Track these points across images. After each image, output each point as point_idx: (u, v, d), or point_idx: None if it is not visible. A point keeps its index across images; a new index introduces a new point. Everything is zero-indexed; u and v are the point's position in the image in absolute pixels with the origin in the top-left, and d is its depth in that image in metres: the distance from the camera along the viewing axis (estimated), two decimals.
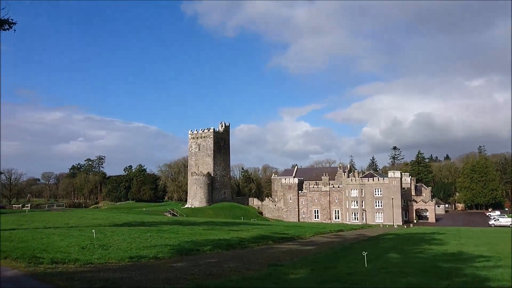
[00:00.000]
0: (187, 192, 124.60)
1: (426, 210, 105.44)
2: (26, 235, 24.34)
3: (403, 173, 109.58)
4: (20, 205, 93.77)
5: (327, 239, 35.32)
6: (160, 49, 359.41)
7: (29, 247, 18.63)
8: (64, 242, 21.46)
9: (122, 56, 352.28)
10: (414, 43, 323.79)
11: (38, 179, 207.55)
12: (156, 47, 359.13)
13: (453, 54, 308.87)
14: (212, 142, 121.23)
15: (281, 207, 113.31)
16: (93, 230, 24.72)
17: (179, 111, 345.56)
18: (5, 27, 26.62)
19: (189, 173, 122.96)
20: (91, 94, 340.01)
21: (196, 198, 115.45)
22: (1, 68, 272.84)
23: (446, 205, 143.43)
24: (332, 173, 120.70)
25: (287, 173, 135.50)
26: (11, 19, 26.55)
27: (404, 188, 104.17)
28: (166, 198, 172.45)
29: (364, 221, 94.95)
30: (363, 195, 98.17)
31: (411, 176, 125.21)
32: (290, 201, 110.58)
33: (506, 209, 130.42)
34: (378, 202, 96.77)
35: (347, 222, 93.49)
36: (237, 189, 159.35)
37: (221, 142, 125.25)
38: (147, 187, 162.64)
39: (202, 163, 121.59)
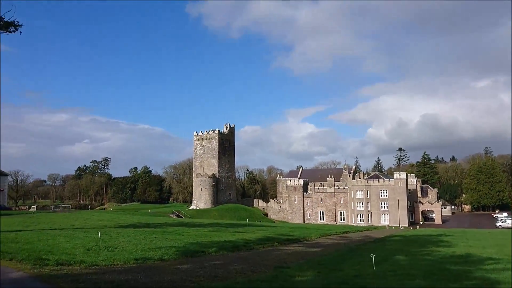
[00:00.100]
0: (192, 194, 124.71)
1: (432, 211, 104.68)
2: (32, 237, 24.36)
3: (408, 175, 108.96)
4: (27, 207, 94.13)
5: (333, 241, 35.10)
6: (164, 51, 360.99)
7: (35, 248, 18.62)
8: (69, 244, 21.44)
9: (127, 58, 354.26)
10: (418, 44, 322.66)
11: (44, 181, 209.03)
12: (161, 49, 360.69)
13: (458, 55, 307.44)
14: (217, 143, 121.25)
15: (286, 209, 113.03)
16: (99, 232, 24.69)
17: (184, 112, 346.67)
18: (11, 29, 26.62)
19: (194, 175, 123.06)
20: (96, 96, 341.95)
21: (201, 199, 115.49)
22: (1, 68, 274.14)
23: (453, 207, 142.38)
24: (337, 174, 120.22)
25: (292, 174, 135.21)
26: (17, 21, 26.53)
27: (410, 190, 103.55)
28: (171, 199, 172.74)
29: (369, 222, 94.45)
30: (368, 197, 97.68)
31: (417, 178, 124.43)
32: (295, 202, 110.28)
33: None
34: (384, 204, 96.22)
35: (352, 224, 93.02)
36: (242, 191, 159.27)
37: (226, 143, 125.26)
38: (152, 189, 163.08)
39: (207, 165, 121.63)
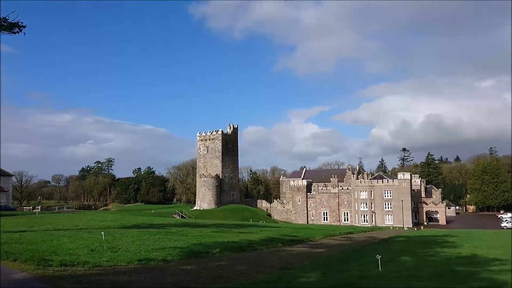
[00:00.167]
0: (195, 194, 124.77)
1: (437, 212, 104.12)
2: (36, 237, 24.35)
3: (412, 175, 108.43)
4: (31, 207, 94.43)
5: (337, 241, 34.94)
6: (168, 52, 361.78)
7: (39, 249, 18.59)
8: (73, 245, 21.41)
9: (130, 59, 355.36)
10: (422, 44, 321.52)
11: (49, 182, 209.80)
12: (164, 50, 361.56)
13: (461, 55, 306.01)
14: (221, 144, 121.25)
15: (290, 209, 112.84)
16: (102, 232, 24.65)
17: (187, 113, 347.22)
18: (15, 30, 26.65)
19: (197, 175, 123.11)
20: (100, 96, 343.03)
21: (204, 200, 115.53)
22: (0, 68, 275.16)
23: (457, 207, 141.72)
24: (340, 175, 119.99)
25: (295, 175, 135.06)
26: (21, 22, 26.56)
27: (414, 190, 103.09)
28: (174, 200, 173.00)
29: (373, 223, 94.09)
30: (372, 197, 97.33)
31: (421, 178, 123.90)
32: (299, 203, 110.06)
33: None
34: (388, 204, 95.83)
35: (356, 224, 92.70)
36: (245, 191, 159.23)
37: (230, 144, 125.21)
38: (156, 189, 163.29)
39: (211, 165, 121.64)
